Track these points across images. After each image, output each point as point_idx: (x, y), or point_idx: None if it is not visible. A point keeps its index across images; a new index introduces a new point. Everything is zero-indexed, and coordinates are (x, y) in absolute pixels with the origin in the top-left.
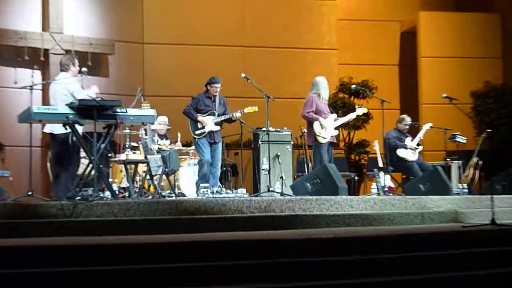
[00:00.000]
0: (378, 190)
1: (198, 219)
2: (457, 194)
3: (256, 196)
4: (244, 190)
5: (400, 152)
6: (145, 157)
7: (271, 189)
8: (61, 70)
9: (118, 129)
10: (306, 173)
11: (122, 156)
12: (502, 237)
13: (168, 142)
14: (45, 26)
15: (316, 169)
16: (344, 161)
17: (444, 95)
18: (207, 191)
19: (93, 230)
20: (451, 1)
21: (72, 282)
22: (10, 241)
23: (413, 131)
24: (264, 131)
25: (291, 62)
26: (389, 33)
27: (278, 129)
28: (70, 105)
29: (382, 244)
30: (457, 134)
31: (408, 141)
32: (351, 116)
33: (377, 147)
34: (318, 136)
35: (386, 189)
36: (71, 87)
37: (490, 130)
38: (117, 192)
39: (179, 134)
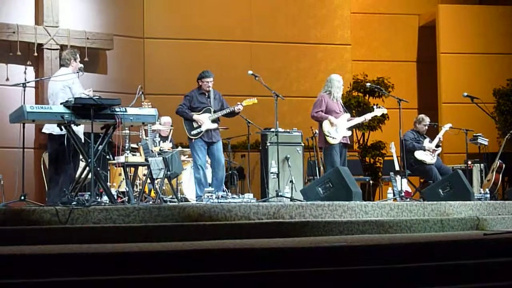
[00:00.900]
0: (394, 195)
1: (202, 226)
2: (479, 199)
3: (264, 201)
4: (251, 195)
5: (418, 155)
6: (146, 160)
7: (280, 193)
8: (61, 65)
9: (117, 130)
10: (318, 177)
11: (121, 159)
12: None
13: (170, 144)
14: (39, 19)
15: (328, 173)
16: (358, 164)
17: (465, 93)
18: (211, 196)
19: (90, 237)
20: None
21: None
22: (1, 249)
23: (432, 132)
24: (272, 132)
25: (301, 59)
26: (407, 27)
27: (288, 130)
28: (66, 104)
29: (399, 253)
30: (479, 136)
31: (426, 142)
32: (367, 116)
33: (393, 149)
34: (328, 136)
35: (403, 194)
36: (70, 83)
37: None
38: (115, 197)
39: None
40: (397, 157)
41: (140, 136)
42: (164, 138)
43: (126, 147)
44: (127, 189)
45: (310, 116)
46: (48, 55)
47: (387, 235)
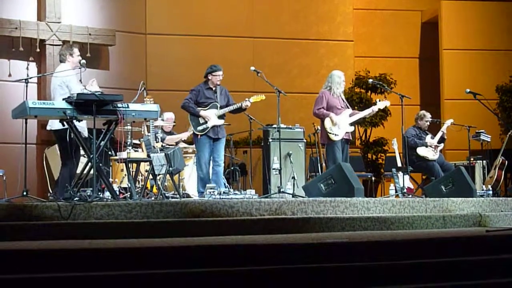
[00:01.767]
0: (396, 192)
1: (204, 222)
2: (481, 196)
3: (266, 197)
4: (253, 191)
5: (420, 151)
6: (148, 156)
7: (282, 190)
8: (60, 61)
9: (119, 126)
10: (320, 173)
11: (123, 154)
12: None
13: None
14: (41, 15)
15: (330, 169)
16: (360, 160)
17: (468, 90)
18: (213, 192)
19: (92, 233)
20: None
21: None
22: (2, 244)
23: (435, 128)
24: (274, 128)
25: (304, 55)
26: (409, 23)
27: (290, 126)
28: (68, 100)
29: (401, 249)
30: (481, 132)
31: (428, 138)
32: (370, 110)
33: (395, 146)
34: (330, 133)
35: (405, 190)
36: (67, 79)
37: None
38: (117, 193)
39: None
40: (399, 153)
41: (142, 132)
42: (167, 134)
43: (128, 143)
44: (129, 185)
45: (312, 113)
46: (50, 51)
47: (389, 232)
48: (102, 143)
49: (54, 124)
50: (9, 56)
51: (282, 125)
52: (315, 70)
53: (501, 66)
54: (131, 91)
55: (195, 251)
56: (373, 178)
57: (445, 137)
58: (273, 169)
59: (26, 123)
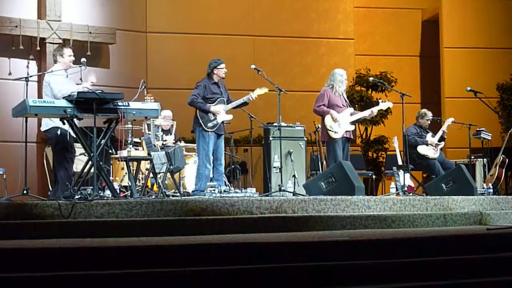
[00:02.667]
0: (397, 190)
1: (204, 220)
2: (482, 194)
3: (267, 195)
4: (254, 190)
5: (421, 149)
6: (148, 154)
7: (282, 188)
8: (53, 62)
9: (119, 124)
10: (321, 172)
11: (124, 153)
12: None
13: (173, 137)
14: (41, 14)
15: (331, 167)
16: (361, 158)
17: (469, 88)
18: (214, 190)
19: (93, 231)
20: None
21: (69, 287)
22: (2, 243)
23: (435, 126)
24: (275, 126)
25: (304, 53)
26: (410, 22)
27: (291, 124)
28: (68, 98)
29: (401, 248)
30: (482, 130)
31: (429, 137)
32: (374, 110)
33: (396, 144)
34: (330, 130)
35: (405, 188)
36: (50, 79)
37: None
38: (118, 191)
39: (174, 125)
40: (400, 151)
41: (143, 131)
42: (165, 132)
43: (129, 141)
44: (130, 183)
45: (313, 111)
46: (50, 49)
47: (389, 230)
48: (103, 141)
49: (43, 125)
50: (9, 54)
51: (282, 123)
52: (316, 68)
53: (501, 64)
54: (132, 89)
55: (195, 250)
56: (373, 177)
57: (445, 136)
58: (274, 167)
59: (26, 121)
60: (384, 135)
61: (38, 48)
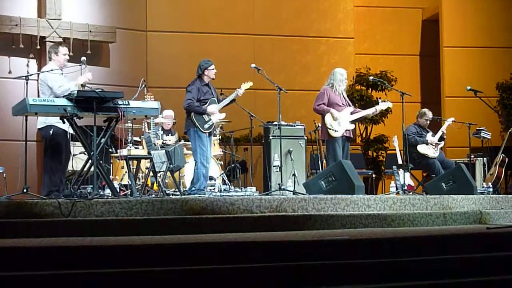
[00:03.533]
0: (397, 189)
1: (204, 219)
2: (482, 193)
3: (267, 194)
4: (254, 188)
5: (421, 149)
6: (148, 153)
7: (282, 187)
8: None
9: (119, 123)
10: (320, 171)
11: (124, 152)
12: None
13: (173, 138)
14: (41, 12)
15: (331, 166)
16: (361, 157)
17: (469, 87)
18: (214, 189)
19: (93, 230)
20: None
21: (69, 286)
22: (2, 242)
23: (435, 126)
24: (275, 125)
25: (304, 52)
26: (410, 21)
27: (291, 123)
28: (68, 97)
29: (401, 247)
30: (482, 129)
31: (429, 136)
32: (372, 110)
33: (396, 143)
34: (330, 129)
35: (405, 187)
36: (45, 77)
37: None
38: (118, 190)
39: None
40: (399, 150)
41: (143, 129)
42: (167, 132)
43: (129, 140)
44: (130, 182)
45: (313, 109)
46: None
47: (389, 229)
48: (103, 140)
49: (39, 123)
50: (9, 53)
51: (282, 122)
52: (316, 67)
53: (501, 63)
54: (132, 88)
55: (195, 248)
56: (373, 176)
57: (445, 136)
58: (274, 166)
59: (26, 120)
60: (384, 134)
61: (38, 47)
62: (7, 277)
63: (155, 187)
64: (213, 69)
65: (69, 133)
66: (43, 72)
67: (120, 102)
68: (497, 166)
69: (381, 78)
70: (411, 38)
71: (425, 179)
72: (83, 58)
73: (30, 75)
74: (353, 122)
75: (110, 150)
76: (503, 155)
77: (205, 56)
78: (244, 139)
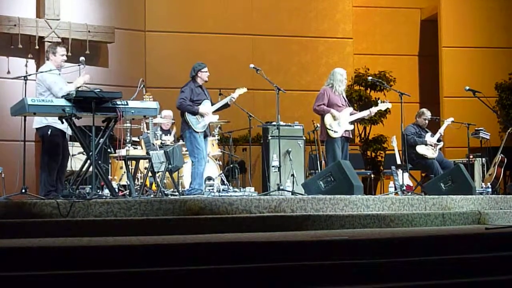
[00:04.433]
0: (396, 189)
1: (203, 219)
2: (481, 193)
3: (266, 195)
4: (252, 189)
5: (420, 149)
6: (147, 153)
7: (281, 187)
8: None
9: (118, 123)
10: (319, 171)
11: (122, 152)
12: None
13: (171, 137)
14: (40, 12)
15: (330, 166)
16: (360, 157)
17: (467, 87)
18: (212, 189)
19: (91, 230)
20: None
21: (67, 286)
22: (1, 242)
23: (434, 126)
24: (274, 125)
25: (303, 52)
26: (409, 21)
27: (289, 124)
28: (67, 97)
29: (400, 247)
30: (480, 130)
31: (428, 137)
32: (373, 110)
33: (394, 143)
34: (329, 130)
35: (404, 188)
36: (42, 77)
37: None
38: (116, 190)
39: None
40: (398, 151)
41: (142, 129)
42: (165, 132)
43: (128, 140)
44: (128, 182)
45: (312, 109)
46: None
47: (388, 229)
48: (101, 140)
49: (36, 122)
50: (8, 53)
51: (281, 123)
52: (315, 67)
53: (500, 64)
54: (130, 88)
55: (194, 249)
56: (372, 176)
57: (441, 138)
58: (273, 166)
59: (25, 120)
60: (383, 135)
61: (37, 47)
62: (6, 278)
63: (153, 187)
64: (206, 71)
65: (65, 134)
66: (41, 72)
67: (118, 102)
68: (496, 166)
69: (379, 78)
70: (409, 38)
71: (424, 180)
72: (82, 58)
73: (29, 75)
74: (351, 122)
75: (109, 150)
76: (502, 155)
77: (204, 56)
78: (243, 139)
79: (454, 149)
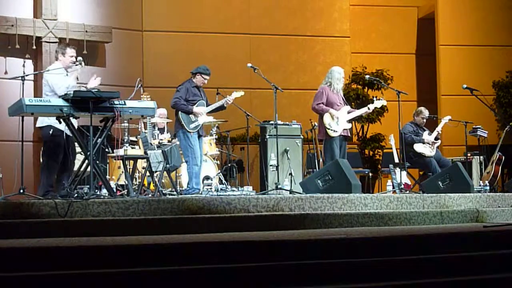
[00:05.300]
0: (394, 188)
1: (201, 218)
2: (478, 191)
3: (264, 194)
4: (250, 188)
5: (418, 147)
6: (145, 153)
7: (279, 186)
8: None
9: (115, 123)
10: (317, 170)
11: (120, 152)
12: None
13: (168, 135)
14: (37, 13)
15: (328, 165)
16: (358, 156)
17: (465, 86)
18: (210, 188)
19: (89, 230)
20: None
21: (66, 286)
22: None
23: (432, 124)
24: (272, 124)
25: (300, 51)
26: (406, 19)
27: (287, 123)
28: (65, 97)
29: (398, 245)
30: (478, 128)
31: (425, 135)
32: (368, 109)
33: (392, 142)
34: (328, 129)
35: (402, 186)
36: (49, 77)
37: None
38: (114, 190)
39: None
40: (396, 149)
41: (139, 129)
42: (161, 130)
43: (125, 140)
44: (126, 182)
45: (311, 109)
46: (46, 48)
47: (386, 228)
48: (99, 140)
49: (39, 121)
50: (5, 53)
51: (279, 122)
52: (312, 66)
53: (497, 62)
54: (128, 88)
55: (192, 248)
56: (370, 174)
57: (439, 136)
58: (270, 165)
59: (22, 120)
60: (381, 133)
61: (34, 47)
62: (4, 278)
63: (151, 187)
64: (207, 78)
65: (65, 134)
66: (47, 70)
67: (116, 102)
68: (494, 164)
69: (377, 76)
70: (407, 37)
71: (422, 178)
72: (80, 58)
73: (26, 75)
74: (350, 121)
75: (107, 150)
76: (499, 153)
77: (201, 55)
78: (241, 138)
79: (452, 147)
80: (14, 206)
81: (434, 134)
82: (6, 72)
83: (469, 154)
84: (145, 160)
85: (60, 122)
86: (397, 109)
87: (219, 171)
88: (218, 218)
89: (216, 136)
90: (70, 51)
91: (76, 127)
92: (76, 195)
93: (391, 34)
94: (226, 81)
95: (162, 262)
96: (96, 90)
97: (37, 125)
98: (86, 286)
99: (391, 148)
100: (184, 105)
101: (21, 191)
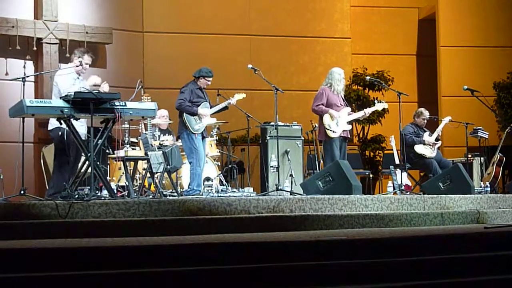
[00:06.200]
0: (394, 189)
1: (202, 219)
2: (479, 193)
3: (264, 195)
4: (251, 189)
5: (418, 149)
6: (145, 154)
7: (280, 187)
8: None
9: (116, 124)
10: (318, 171)
11: (121, 153)
12: None
13: (170, 137)
14: (38, 14)
15: (328, 166)
16: (358, 157)
17: (465, 87)
18: (211, 189)
19: (90, 231)
20: None
21: (67, 287)
22: (0, 243)
23: (432, 125)
24: (272, 125)
25: (301, 52)
26: (406, 20)
27: (288, 124)
28: (65, 98)
29: (398, 247)
30: (479, 129)
31: (426, 136)
32: (368, 111)
33: (393, 143)
34: (328, 129)
35: (403, 187)
36: (57, 78)
37: None
38: (115, 191)
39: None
40: (397, 150)
41: (140, 130)
42: (164, 132)
43: (126, 141)
44: (127, 183)
45: (311, 109)
46: (47, 49)
47: (387, 229)
48: (100, 141)
49: (49, 124)
50: (6, 54)
51: (279, 123)
52: (313, 67)
53: (498, 63)
54: (129, 89)
55: (193, 249)
56: (371, 175)
57: (439, 138)
58: (271, 166)
59: (23, 121)
60: (381, 134)
61: (35, 48)
62: (5, 279)
63: (152, 188)
64: (209, 81)
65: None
66: (57, 70)
67: (117, 103)
68: (495, 165)
69: (378, 78)
70: (407, 38)
71: (423, 179)
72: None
73: (27, 76)
74: (350, 122)
75: (107, 151)
76: (500, 154)
77: (201, 56)
78: (241, 139)
79: (453, 149)
80: (15, 207)
81: (435, 135)
82: (6, 73)
83: (469, 155)
84: (146, 161)
85: (60, 123)
86: (397, 110)
87: (220, 172)
88: (218, 219)
89: (217, 137)
90: (87, 58)
91: (86, 129)
92: (77, 196)
93: (392, 35)
94: (227, 82)
95: (162, 263)
96: (96, 91)
97: (48, 128)
98: (86, 287)
99: (392, 149)
100: (189, 107)
101: (22, 192)
